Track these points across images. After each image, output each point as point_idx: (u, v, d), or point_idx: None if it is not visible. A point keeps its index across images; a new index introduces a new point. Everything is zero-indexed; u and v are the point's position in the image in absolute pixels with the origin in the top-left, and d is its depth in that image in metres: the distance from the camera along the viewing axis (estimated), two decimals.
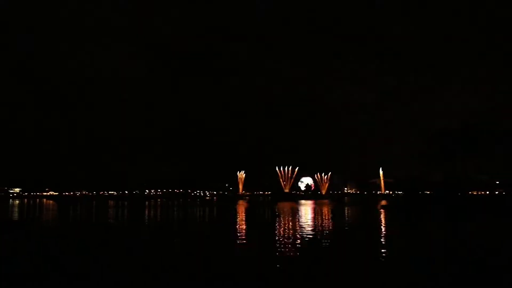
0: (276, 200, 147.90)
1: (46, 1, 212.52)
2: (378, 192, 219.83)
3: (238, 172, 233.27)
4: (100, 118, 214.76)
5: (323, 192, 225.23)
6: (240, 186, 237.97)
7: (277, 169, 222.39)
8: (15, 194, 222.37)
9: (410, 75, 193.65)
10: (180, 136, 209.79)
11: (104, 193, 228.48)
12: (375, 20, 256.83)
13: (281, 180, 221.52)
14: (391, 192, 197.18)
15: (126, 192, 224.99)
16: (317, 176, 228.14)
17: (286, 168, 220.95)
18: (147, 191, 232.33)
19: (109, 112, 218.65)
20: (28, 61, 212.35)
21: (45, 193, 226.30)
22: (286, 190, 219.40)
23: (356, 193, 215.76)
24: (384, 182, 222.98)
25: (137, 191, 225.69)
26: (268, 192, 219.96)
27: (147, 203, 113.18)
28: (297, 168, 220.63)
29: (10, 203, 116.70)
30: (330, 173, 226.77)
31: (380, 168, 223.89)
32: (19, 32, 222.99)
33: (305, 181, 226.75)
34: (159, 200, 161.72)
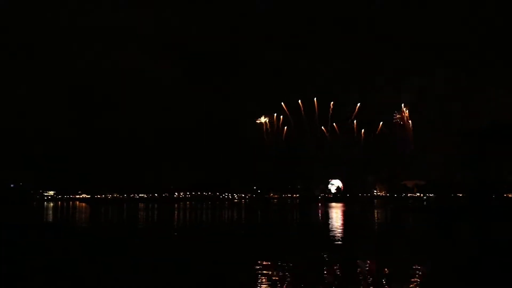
0: (305, 203, 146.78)
1: (71, 5, 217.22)
2: (409, 195, 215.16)
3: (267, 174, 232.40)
4: (129, 121, 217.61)
5: (353, 194, 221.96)
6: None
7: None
8: (49, 197, 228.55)
9: (442, 75, 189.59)
10: (208, 138, 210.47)
11: (134, 196, 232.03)
12: (406, 19, 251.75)
13: (310, 183, 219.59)
14: (421, 195, 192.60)
15: (156, 194, 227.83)
16: (343, 180, 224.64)
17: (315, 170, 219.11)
18: (176, 193, 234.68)
19: (137, 115, 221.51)
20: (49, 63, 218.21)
21: (78, 196, 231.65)
22: (317, 193, 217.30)
23: (386, 196, 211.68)
24: (415, 184, 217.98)
25: (167, 194, 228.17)
26: (296, 194, 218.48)
27: (176, 205, 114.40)
28: (325, 170, 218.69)
29: (45, 205, 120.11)
30: (361, 175, 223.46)
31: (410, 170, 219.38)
32: (45, 37, 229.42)
33: (335, 184, 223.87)
34: (188, 202, 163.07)
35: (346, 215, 55.04)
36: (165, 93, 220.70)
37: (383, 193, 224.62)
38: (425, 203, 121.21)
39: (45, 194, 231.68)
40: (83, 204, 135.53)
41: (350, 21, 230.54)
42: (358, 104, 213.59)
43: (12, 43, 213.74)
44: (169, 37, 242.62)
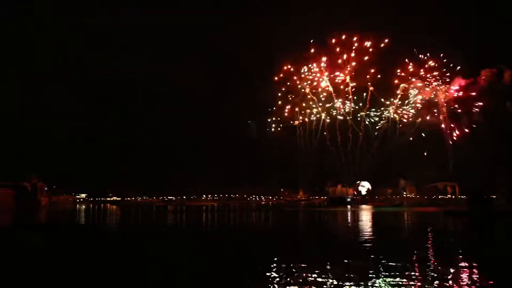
0: (332, 205, 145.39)
1: (110, 10, 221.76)
2: (440, 197, 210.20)
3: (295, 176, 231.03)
4: (157, 125, 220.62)
5: (381, 196, 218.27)
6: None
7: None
8: (81, 200, 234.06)
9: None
10: (232, 141, 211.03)
11: (163, 198, 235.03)
12: None
13: (339, 186, 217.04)
14: (453, 197, 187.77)
15: (184, 197, 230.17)
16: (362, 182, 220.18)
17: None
18: (204, 196, 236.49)
19: (165, 119, 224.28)
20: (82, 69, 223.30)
21: (108, 198, 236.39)
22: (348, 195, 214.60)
23: (415, 197, 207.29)
24: (446, 186, 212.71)
25: (194, 196, 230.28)
26: (324, 197, 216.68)
27: (204, 207, 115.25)
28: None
29: (77, 208, 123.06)
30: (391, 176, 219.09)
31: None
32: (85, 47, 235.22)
33: (366, 186, 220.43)
34: (215, 204, 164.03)
35: (383, 218, 54.04)
36: (193, 95, 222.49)
37: (412, 195, 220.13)
38: (458, 206, 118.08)
39: (77, 197, 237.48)
40: (114, 206, 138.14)
41: None
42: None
43: (34, 48, 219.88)
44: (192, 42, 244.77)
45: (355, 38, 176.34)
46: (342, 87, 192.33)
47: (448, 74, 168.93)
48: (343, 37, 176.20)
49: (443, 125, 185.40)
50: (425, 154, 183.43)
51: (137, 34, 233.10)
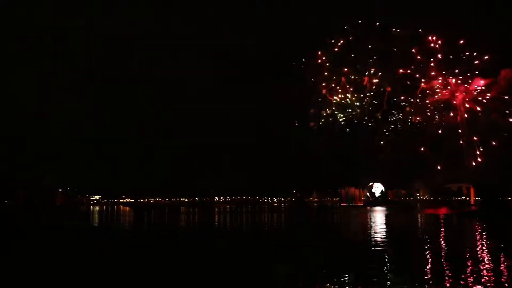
0: (346, 206, 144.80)
1: (125, 14, 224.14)
2: (454, 198, 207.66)
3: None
4: (170, 127, 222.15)
5: (394, 198, 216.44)
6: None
7: None
8: (95, 201, 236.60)
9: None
10: (247, 143, 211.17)
11: (176, 200, 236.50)
12: None
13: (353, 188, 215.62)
14: (467, 198, 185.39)
15: (197, 198, 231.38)
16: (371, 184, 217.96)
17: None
18: (216, 198, 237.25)
19: (179, 120, 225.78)
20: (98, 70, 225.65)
21: (121, 200, 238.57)
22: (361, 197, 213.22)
23: (429, 199, 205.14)
24: (461, 187, 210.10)
25: (207, 198, 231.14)
26: (336, 198, 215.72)
27: (216, 209, 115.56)
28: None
29: (91, 209, 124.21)
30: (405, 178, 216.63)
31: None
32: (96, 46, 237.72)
33: (380, 187, 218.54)
34: (228, 206, 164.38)
35: (400, 222, 53.71)
36: (207, 99, 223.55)
37: (426, 197, 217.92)
38: (473, 207, 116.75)
39: (91, 198, 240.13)
40: (127, 208, 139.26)
41: None
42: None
43: (55, 50, 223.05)
44: (218, 46, 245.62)
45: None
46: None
47: (468, 74, 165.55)
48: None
49: (459, 126, 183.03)
50: (440, 155, 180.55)
51: (167, 35, 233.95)
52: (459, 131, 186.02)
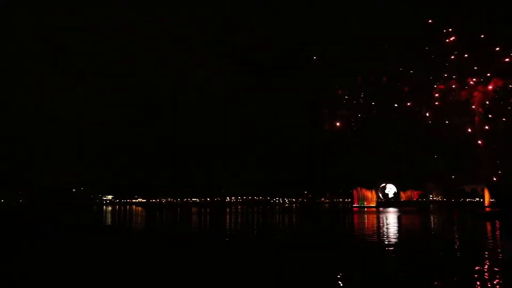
0: (358, 207, 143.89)
1: (142, 18, 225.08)
2: (467, 200, 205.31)
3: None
4: (184, 127, 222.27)
5: (407, 199, 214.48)
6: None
7: None
8: (108, 201, 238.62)
9: None
10: (257, 144, 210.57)
11: (187, 200, 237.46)
12: None
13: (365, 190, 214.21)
14: (481, 200, 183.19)
15: (208, 199, 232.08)
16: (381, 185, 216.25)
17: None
18: (227, 198, 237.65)
19: (193, 121, 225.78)
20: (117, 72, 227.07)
21: (134, 200, 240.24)
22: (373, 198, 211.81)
23: (442, 201, 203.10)
24: (475, 189, 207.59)
25: (218, 198, 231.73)
26: (348, 199, 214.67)
27: (228, 209, 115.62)
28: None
29: (104, 209, 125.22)
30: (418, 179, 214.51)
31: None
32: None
33: (393, 188, 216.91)
34: (239, 206, 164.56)
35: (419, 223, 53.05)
36: (220, 99, 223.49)
37: (439, 198, 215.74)
38: (486, 209, 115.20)
39: (104, 198, 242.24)
40: (139, 208, 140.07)
41: None
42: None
43: (72, 50, 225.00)
44: (226, 44, 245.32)
45: None
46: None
47: (488, 74, 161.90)
48: None
49: (474, 127, 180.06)
50: (454, 156, 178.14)
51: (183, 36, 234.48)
52: (475, 134, 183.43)
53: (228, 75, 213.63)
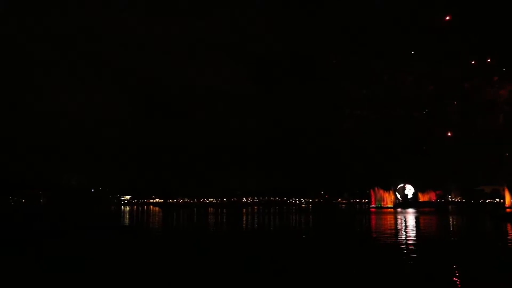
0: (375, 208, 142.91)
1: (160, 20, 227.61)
2: (487, 200, 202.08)
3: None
4: (202, 128, 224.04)
5: (424, 200, 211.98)
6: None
7: None
8: (125, 201, 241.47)
9: None
10: (274, 145, 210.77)
11: (204, 200, 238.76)
12: None
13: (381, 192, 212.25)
14: (501, 201, 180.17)
15: (225, 199, 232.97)
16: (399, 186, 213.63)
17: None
18: (244, 199, 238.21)
19: (210, 122, 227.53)
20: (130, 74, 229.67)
21: (151, 200, 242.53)
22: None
23: (461, 201, 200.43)
24: (494, 189, 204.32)
25: (235, 199, 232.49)
26: (365, 200, 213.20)
27: (244, 210, 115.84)
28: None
29: (122, 209, 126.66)
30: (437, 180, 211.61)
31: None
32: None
33: (411, 189, 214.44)
34: (255, 207, 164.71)
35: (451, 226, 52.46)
36: (238, 100, 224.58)
37: (458, 199, 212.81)
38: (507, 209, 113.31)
39: (122, 198, 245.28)
40: (156, 208, 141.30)
41: None
42: None
43: (86, 51, 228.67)
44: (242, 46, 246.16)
45: None
46: None
47: None
48: None
49: (498, 126, 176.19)
50: (474, 156, 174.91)
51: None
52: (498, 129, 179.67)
53: (244, 76, 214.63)
